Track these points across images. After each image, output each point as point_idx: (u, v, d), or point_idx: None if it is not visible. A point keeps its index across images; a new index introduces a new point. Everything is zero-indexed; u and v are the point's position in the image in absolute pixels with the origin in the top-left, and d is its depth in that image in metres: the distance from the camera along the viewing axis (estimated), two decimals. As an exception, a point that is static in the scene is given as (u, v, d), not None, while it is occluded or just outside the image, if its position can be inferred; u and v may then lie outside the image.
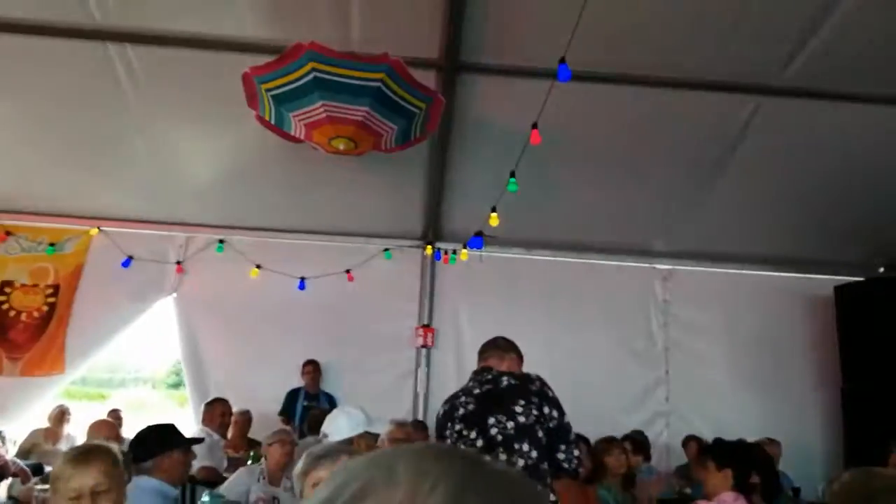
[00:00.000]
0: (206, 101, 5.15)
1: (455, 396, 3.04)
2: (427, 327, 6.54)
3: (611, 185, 5.97)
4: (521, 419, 2.79)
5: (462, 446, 2.83)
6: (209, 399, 5.21)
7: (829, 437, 6.39)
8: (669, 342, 6.80)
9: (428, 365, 6.49)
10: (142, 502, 2.62)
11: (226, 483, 3.83)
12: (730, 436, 4.17)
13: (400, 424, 4.39)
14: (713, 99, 5.04)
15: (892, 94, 4.96)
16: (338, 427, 3.13)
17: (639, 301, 6.90)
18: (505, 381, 2.92)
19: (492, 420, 2.81)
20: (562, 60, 3.25)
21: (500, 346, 3.20)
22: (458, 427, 2.90)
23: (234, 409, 5.66)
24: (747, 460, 2.99)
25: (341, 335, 6.38)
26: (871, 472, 1.91)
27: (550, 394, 2.91)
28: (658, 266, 6.95)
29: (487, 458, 0.58)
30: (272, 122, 4.49)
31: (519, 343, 6.12)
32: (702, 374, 6.72)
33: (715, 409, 6.48)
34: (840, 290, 6.49)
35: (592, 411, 5.66)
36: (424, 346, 6.49)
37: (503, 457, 2.73)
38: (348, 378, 6.28)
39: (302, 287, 6.45)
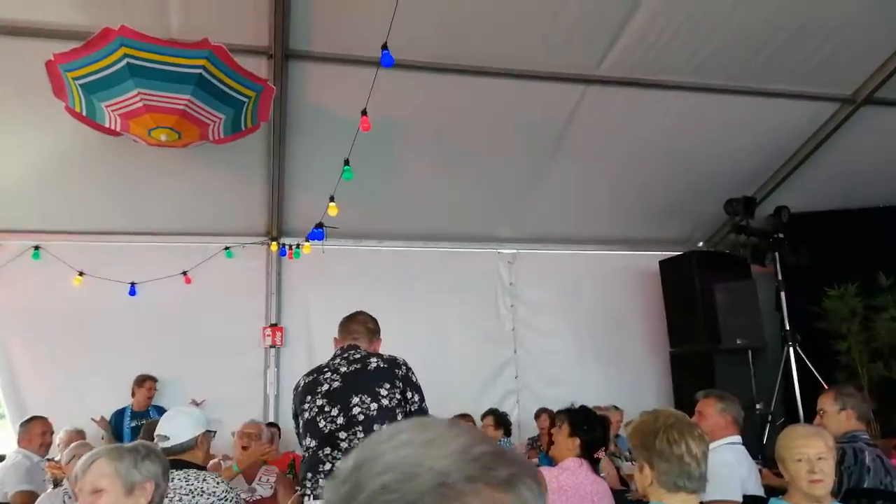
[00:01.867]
0: (10, 92, 4.66)
1: (319, 371, 3.03)
2: (275, 326, 6.34)
3: (453, 174, 6.09)
4: (385, 402, 2.87)
5: (322, 422, 2.87)
6: (25, 419, 4.72)
7: (661, 398, 6.93)
8: (517, 322, 7.07)
9: (277, 365, 6.29)
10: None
11: None
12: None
13: (251, 422, 4.30)
14: (541, 88, 5.28)
15: (696, 83, 5.44)
16: (181, 426, 2.90)
17: (486, 285, 7.11)
18: (374, 363, 2.98)
19: (356, 399, 2.86)
20: (384, 47, 3.26)
21: (369, 328, 3.21)
22: (319, 402, 2.91)
23: (67, 428, 5.20)
24: (600, 436, 3.10)
25: (181, 341, 6.00)
26: (657, 412, 2.10)
27: (414, 379, 3.01)
28: (502, 251, 7.20)
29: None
30: (83, 113, 4.15)
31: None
32: (547, 351, 7.06)
33: (560, 382, 6.81)
34: (664, 264, 7.07)
35: (448, 393, 5.77)
36: (273, 345, 6.29)
37: (361, 436, 2.80)
38: (191, 386, 5.90)
39: (133, 293, 6.01)
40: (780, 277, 6.45)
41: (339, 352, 3.11)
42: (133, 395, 5.76)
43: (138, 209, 5.91)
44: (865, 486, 3.30)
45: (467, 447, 0.64)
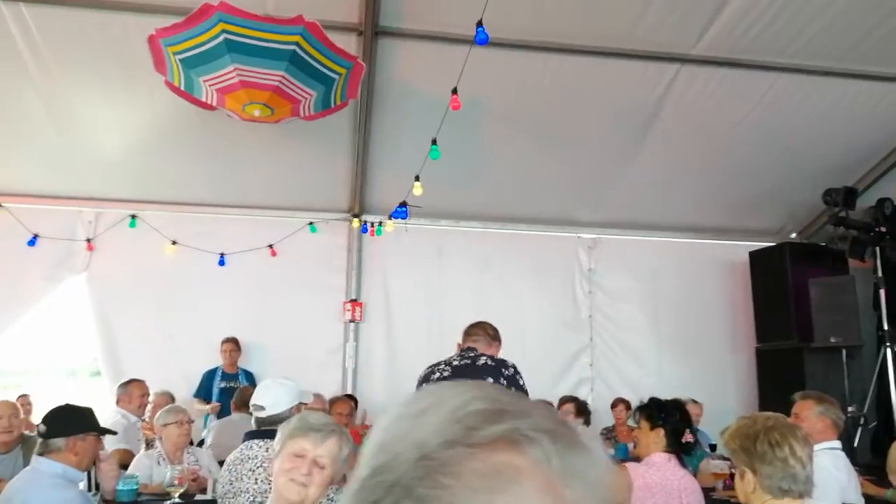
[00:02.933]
0: (113, 66, 4.87)
1: (436, 364, 3.31)
2: (355, 301, 6.44)
3: (537, 155, 5.99)
4: None
5: None
6: (125, 381, 4.96)
7: (745, 395, 6.68)
8: (594, 309, 6.94)
9: (356, 339, 6.40)
10: (38, 485, 2.46)
11: (128, 471, 3.70)
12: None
13: (315, 395, 4.39)
14: (633, 68, 5.11)
15: (799, 65, 5.14)
16: (277, 397, 3.00)
17: (565, 270, 7.00)
18: (483, 360, 3.22)
19: None
20: (479, 24, 3.19)
21: (489, 333, 3.45)
22: None
23: (155, 391, 5.47)
24: (681, 419, 2.98)
25: (265, 312, 6.21)
26: (755, 415, 2.01)
27: (521, 382, 3.19)
28: (583, 235, 7.05)
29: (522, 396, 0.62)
30: (182, 87, 4.28)
31: (448, 315, 6.27)
32: (624, 340, 6.91)
33: (637, 373, 6.68)
34: (754, 255, 6.77)
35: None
36: (353, 320, 6.40)
37: None
38: (273, 355, 6.12)
39: (222, 263, 6.22)
40: (879, 274, 6.09)
41: (457, 351, 3.38)
42: (221, 356, 6.05)
43: (229, 182, 6.11)
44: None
45: (459, 407, 0.54)
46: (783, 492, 1.83)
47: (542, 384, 6.20)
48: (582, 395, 6.57)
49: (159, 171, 5.92)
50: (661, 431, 2.88)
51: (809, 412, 3.13)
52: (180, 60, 4.09)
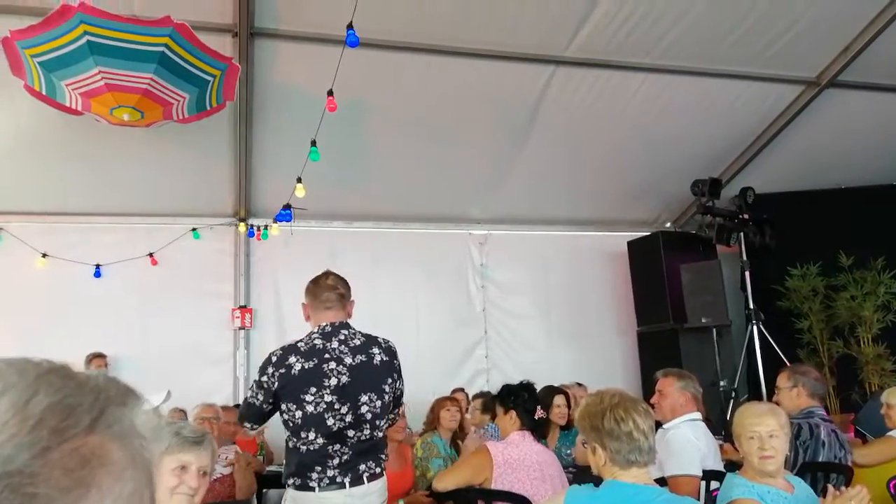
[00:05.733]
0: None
1: (319, 357, 2.72)
2: (244, 308, 6.30)
3: (424, 155, 6.08)
4: (387, 397, 2.84)
5: (331, 419, 2.70)
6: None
7: (628, 376, 7.05)
8: (487, 303, 7.13)
9: (247, 347, 6.27)
10: None
11: None
12: (544, 385, 4.52)
13: (207, 405, 4.28)
14: (511, 69, 5.27)
15: (664, 65, 5.47)
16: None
17: (457, 266, 7.16)
18: (377, 356, 2.83)
19: (364, 398, 2.75)
20: (349, 26, 3.22)
21: (341, 295, 2.89)
22: (328, 398, 2.70)
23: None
24: (530, 399, 3.20)
25: (148, 324, 5.97)
26: (602, 393, 2.15)
27: (398, 365, 2.94)
28: (474, 231, 7.22)
29: (68, 367, 0.56)
30: (43, 91, 4.05)
31: (343, 315, 6.19)
32: (517, 331, 7.15)
33: (530, 361, 6.90)
34: (632, 244, 7.16)
35: (419, 375, 5.77)
36: (243, 327, 6.26)
37: (367, 432, 2.76)
38: (158, 368, 5.86)
39: (98, 275, 5.93)
40: (744, 257, 6.58)
41: (328, 330, 2.81)
42: None
43: (103, 190, 5.82)
44: (820, 459, 3.42)
45: (21, 409, 0.49)
46: (630, 463, 1.98)
47: (439, 378, 6.32)
48: (477, 386, 6.73)
49: (26, 180, 5.56)
50: (514, 413, 3.11)
51: (671, 388, 3.36)
52: (40, 63, 3.87)
